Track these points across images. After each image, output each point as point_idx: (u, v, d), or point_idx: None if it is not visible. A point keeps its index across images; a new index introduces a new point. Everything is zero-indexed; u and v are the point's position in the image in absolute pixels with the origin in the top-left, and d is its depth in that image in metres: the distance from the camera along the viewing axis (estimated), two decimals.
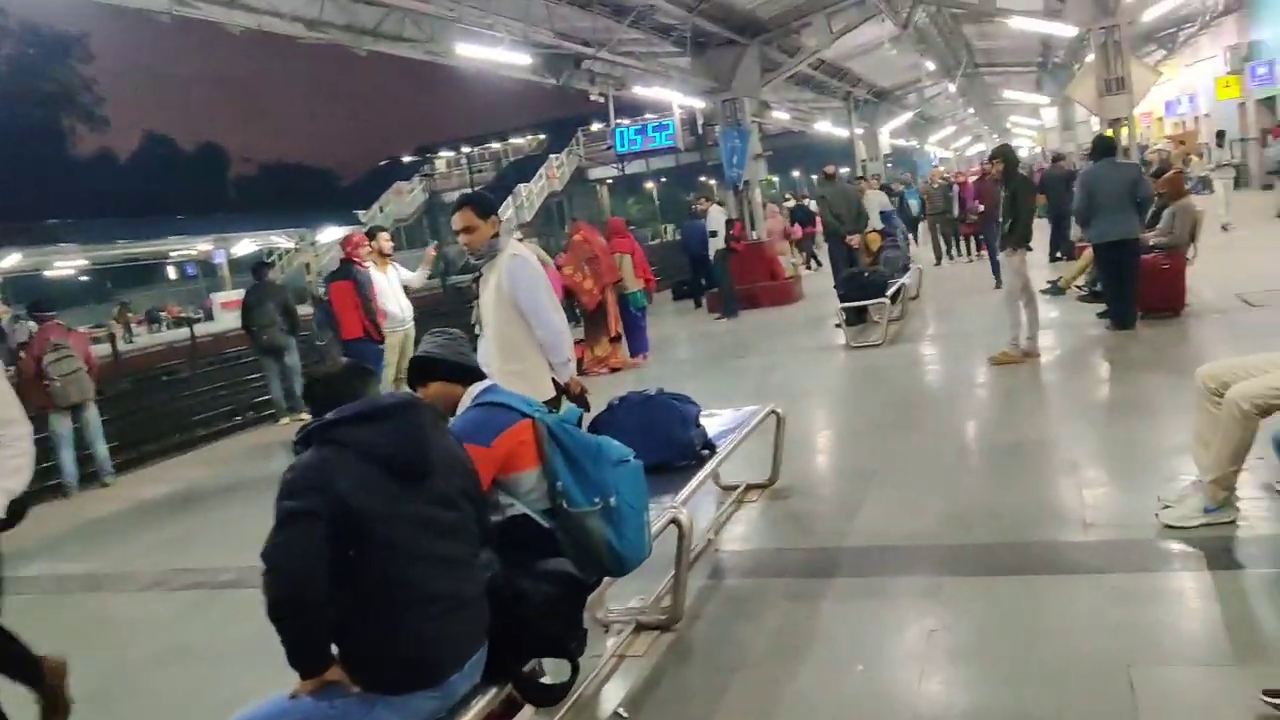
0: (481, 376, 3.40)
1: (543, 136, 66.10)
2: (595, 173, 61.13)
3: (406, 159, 71.11)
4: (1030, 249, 8.59)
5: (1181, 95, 29.98)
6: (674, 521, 3.94)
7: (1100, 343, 8.86)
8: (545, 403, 4.55)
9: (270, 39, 11.89)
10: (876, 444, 6.49)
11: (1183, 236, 9.41)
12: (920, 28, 19.54)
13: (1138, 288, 9.05)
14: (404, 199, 55.20)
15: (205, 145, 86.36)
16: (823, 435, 7.12)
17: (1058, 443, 5.87)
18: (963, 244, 18.08)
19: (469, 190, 4.44)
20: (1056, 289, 11.79)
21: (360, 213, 50.16)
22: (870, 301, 10.64)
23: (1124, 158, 18.90)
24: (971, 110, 39.65)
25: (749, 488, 5.84)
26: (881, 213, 14.23)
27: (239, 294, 17.51)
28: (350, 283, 8.40)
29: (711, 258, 14.68)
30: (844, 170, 30.85)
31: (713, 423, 5.51)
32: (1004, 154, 8.71)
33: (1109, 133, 11.68)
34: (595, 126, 52.51)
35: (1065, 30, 14.60)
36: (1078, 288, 11.12)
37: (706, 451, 4.80)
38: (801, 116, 27.61)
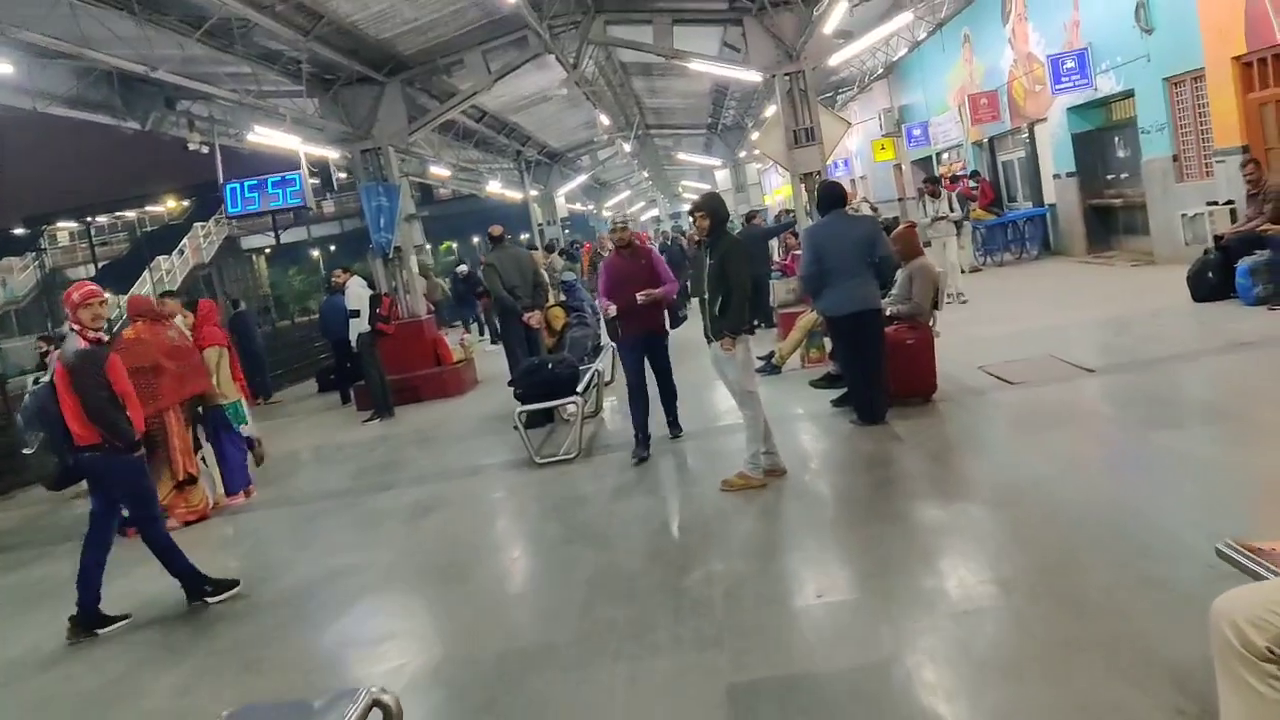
0: None
1: (187, 203, 58.56)
2: (250, 241, 55.21)
3: (18, 231, 60.43)
4: (753, 331, 6.41)
5: (836, 159, 31.01)
6: None
7: (852, 446, 6.82)
8: None
9: None
10: (592, 699, 3.72)
11: (924, 303, 7.72)
12: (589, 79, 17.76)
13: (886, 370, 7.19)
14: (15, 278, 46.60)
15: None
16: (494, 675, 4.21)
17: (890, 675, 3.44)
18: None
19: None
20: (772, 366, 9.88)
21: None
22: (557, 402, 8.06)
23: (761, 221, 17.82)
24: (645, 174, 39.37)
25: None
26: (565, 283, 11.86)
27: None
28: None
29: (354, 343, 11.52)
30: (525, 236, 28.78)
31: None
32: (711, 206, 6.43)
33: (844, 184, 9.99)
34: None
35: (748, 76, 13.18)
36: (826, 368, 9.21)
37: None
38: (470, 178, 25.09)
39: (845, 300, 6.99)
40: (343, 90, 12.96)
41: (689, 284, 6.79)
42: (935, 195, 13.21)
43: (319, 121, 12.92)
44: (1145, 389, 7.06)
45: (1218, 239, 9.43)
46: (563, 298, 11.34)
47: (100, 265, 51.89)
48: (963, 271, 15.80)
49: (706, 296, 6.20)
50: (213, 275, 48.75)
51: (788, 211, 23.22)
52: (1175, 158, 12.14)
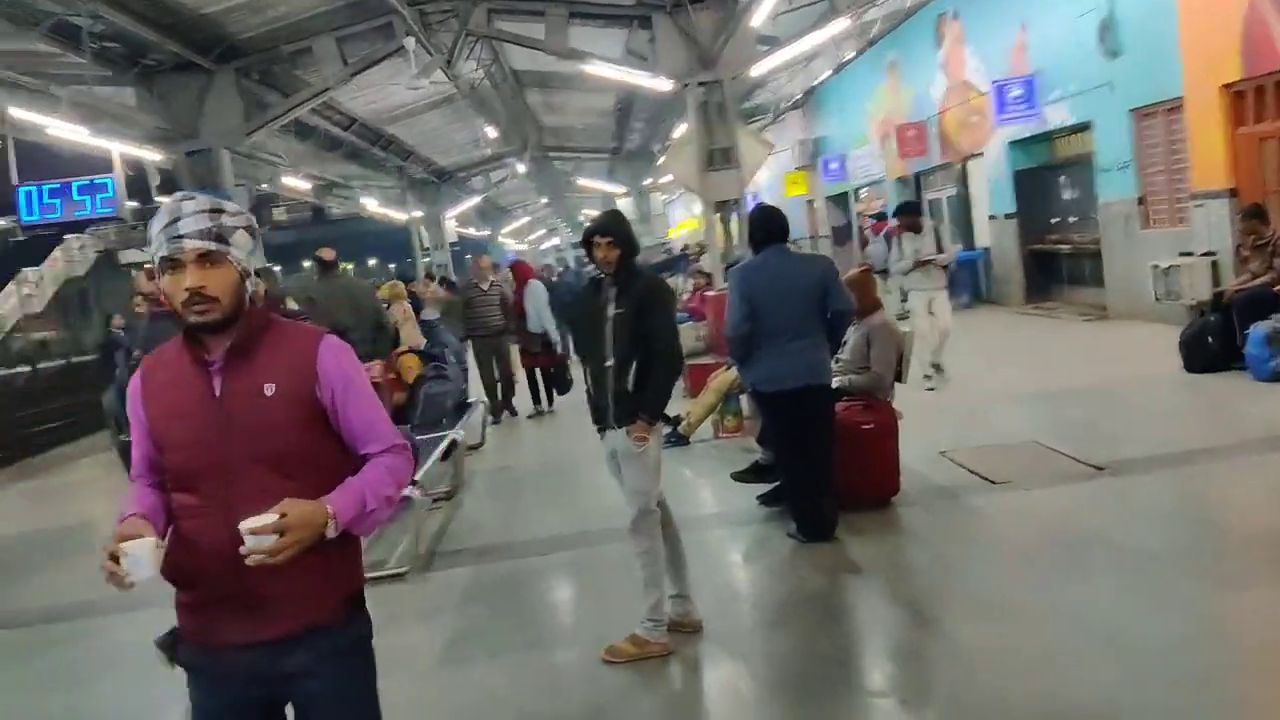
0: None
1: None
2: (129, 255, 51.04)
3: None
4: (669, 419, 4.31)
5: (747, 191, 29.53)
6: None
7: (793, 579, 4.78)
8: None
9: None
10: None
11: (886, 374, 5.77)
12: (478, 89, 15.64)
13: (834, 467, 5.20)
14: None
15: None
16: None
17: None
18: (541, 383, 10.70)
19: None
20: (678, 436, 7.75)
21: None
22: None
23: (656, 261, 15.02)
24: (545, 200, 37.30)
25: None
26: (424, 322, 9.59)
27: None
28: None
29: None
30: (437, 262, 25.75)
31: None
32: (620, 229, 4.18)
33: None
34: (130, 203, 43.11)
35: (657, 84, 11.26)
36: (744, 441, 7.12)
37: None
38: (345, 195, 22.58)
39: (788, 371, 4.98)
40: (160, 77, 10.53)
41: (574, 341, 4.51)
42: (917, 230, 8.81)
43: (129, 114, 10.45)
44: (1183, 506, 5.20)
45: (1218, 296, 7.80)
46: (420, 341, 9.08)
47: None
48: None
49: (610, 362, 4.05)
50: (88, 290, 44.61)
51: (685, 249, 21.32)
52: (1141, 200, 10.65)
